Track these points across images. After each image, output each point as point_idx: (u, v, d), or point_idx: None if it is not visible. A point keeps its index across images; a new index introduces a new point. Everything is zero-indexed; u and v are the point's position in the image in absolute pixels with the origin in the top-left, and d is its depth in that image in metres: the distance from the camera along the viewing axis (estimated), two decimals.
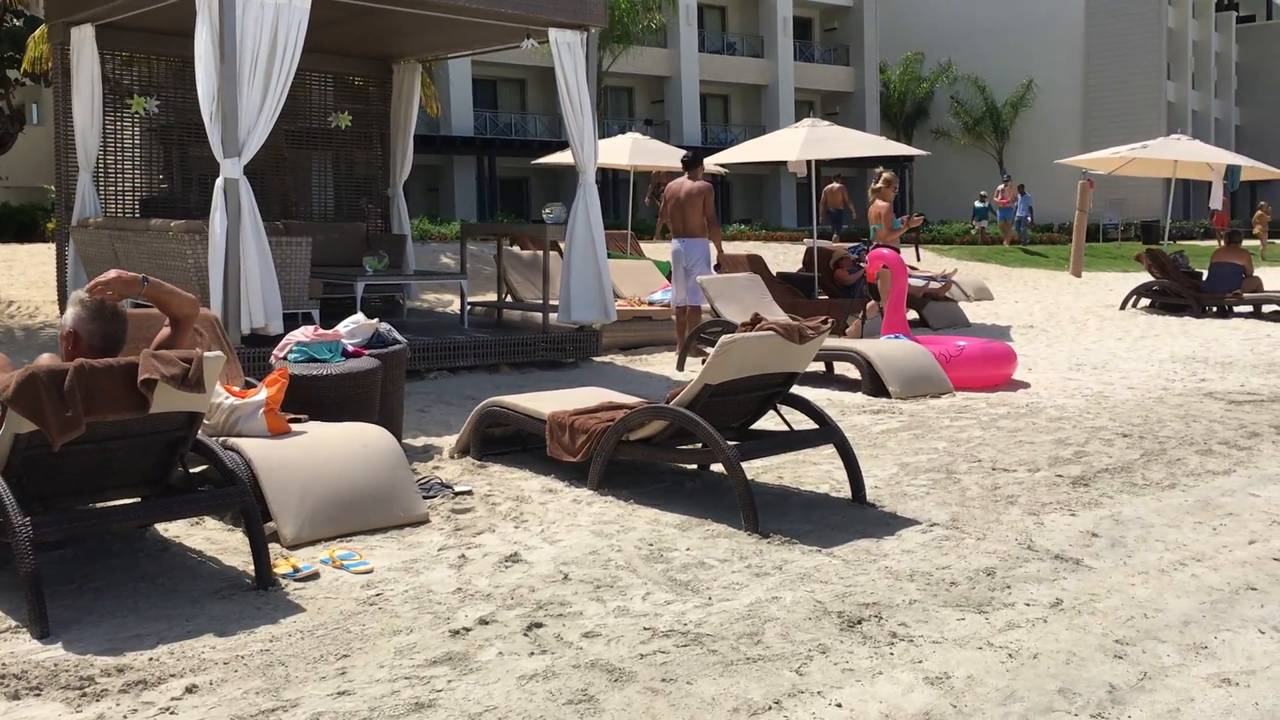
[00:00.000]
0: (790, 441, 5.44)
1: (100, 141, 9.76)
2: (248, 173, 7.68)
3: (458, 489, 5.45)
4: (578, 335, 9.53)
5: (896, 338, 9.47)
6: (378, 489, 4.83)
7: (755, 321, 5.26)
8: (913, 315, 14.31)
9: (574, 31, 9.18)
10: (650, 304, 11.50)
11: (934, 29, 57.65)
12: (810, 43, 52.13)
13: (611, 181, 39.04)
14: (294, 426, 5.02)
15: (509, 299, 11.34)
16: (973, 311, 16.05)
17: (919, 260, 22.36)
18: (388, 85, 11.69)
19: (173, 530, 4.73)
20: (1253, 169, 16.73)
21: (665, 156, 16.04)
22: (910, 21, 58.34)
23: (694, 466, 5.98)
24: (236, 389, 5.00)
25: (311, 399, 5.71)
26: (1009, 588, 4.30)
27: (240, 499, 4.04)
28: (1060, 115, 54.36)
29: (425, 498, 5.31)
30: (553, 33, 9.08)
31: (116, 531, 4.55)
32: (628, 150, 15.66)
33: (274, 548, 4.49)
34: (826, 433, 5.46)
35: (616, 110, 46.34)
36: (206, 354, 3.89)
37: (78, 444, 3.80)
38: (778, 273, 14.80)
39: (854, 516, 5.20)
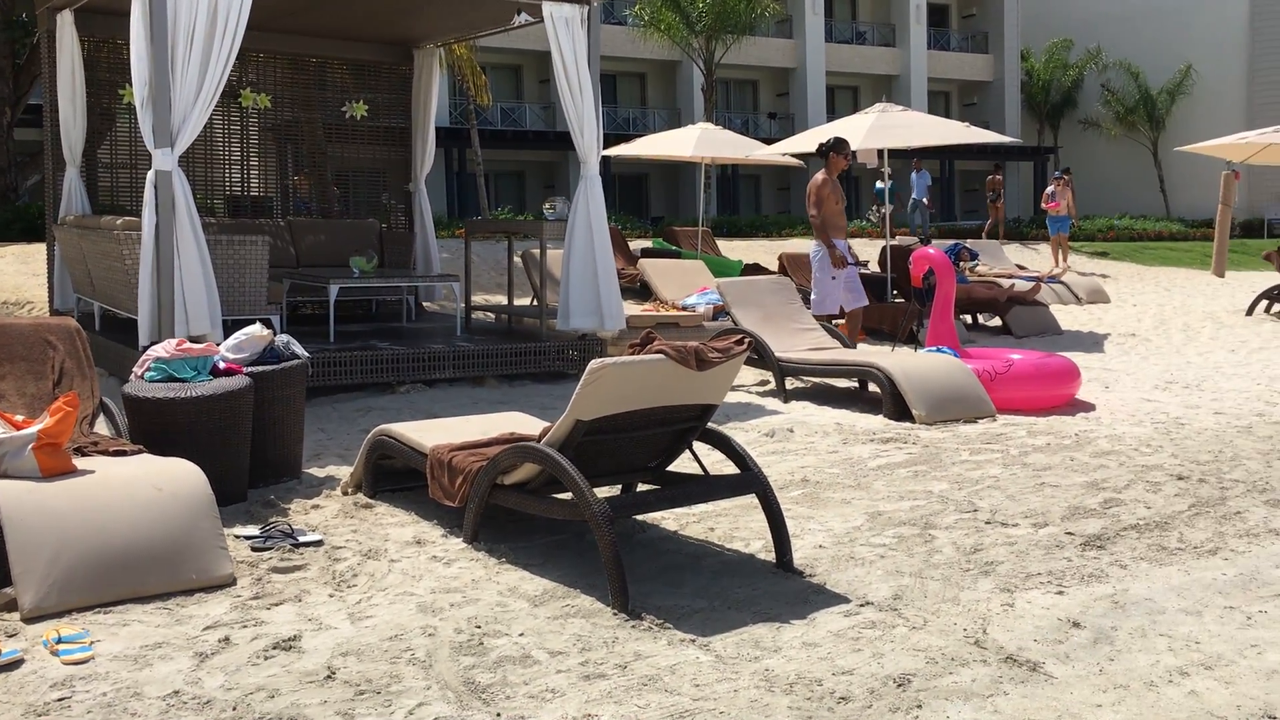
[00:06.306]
0: (699, 492, 4.37)
1: (84, 135, 9.24)
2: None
3: (304, 539, 4.56)
4: (580, 344, 8.56)
5: (940, 350, 8.22)
6: (165, 545, 3.96)
7: (646, 342, 4.21)
8: (996, 321, 12.91)
9: (572, 6, 8.22)
10: (683, 309, 10.47)
11: (1081, 12, 54.43)
12: (946, 30, 49.86)
13: (679, 175, 37.91)
14: (81, 465, 4.20)
15: (534, 303, 10.46)
16: (1075, 317, 14.45)
17: (1063, 262, 20.39)
18: (406, 72, 10.94)
19: None
20: None
21: (733, 148, 14.92)
22: (1055, 6, 55.24)
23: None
24: (19, 418, 4.21)
25: (159, 427, 4.91)
26: (918, 708, 3.17)
27: None
28: (1222, 103, 50.50)
29: (256, 549, 4.44)
30: (547, 7, 8.13)
31: None
32: (694, 141, 14.61)
33: (4, 622, 3.67)
34: (746, 480, 4.37)
35: (740, 104, 45.08)
36: None
37: None
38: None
39: (768, 589, 4.11)
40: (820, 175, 9.62)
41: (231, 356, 5.39)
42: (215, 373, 5.22)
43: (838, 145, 9.68)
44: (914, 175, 23.49)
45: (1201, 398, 8.26)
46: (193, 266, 6.97)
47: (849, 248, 9.82)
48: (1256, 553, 4.60)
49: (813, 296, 9.65)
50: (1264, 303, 14.48)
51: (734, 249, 20.48)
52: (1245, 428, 7.10)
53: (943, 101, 49.52)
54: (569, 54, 8.22)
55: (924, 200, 23.53)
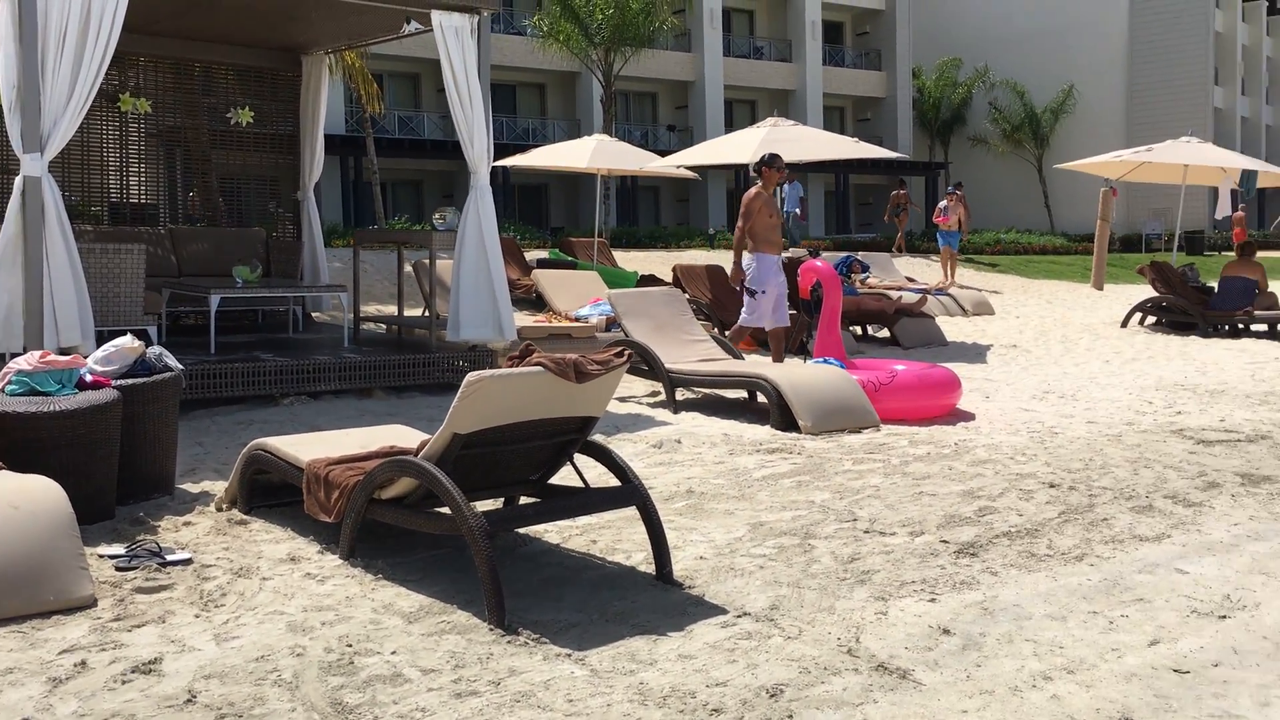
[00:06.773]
0: (579, 504, 4.35)
1: None
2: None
3: (172, 557, 4.42)
4: (469, 356, 8.49)
5: (826, 361, 8.35)
6: (21, 565, 3.81)
7: (525, 354, 4.19)
8: (885, 333, 13.17)
9: (462, 15, 8.16)
10: (576, 320, 10.46)
11: (970, 33, 55.97)
12: (841, 47, 50.76)
13: (579, 186, 37.98)
14: None
15: (425, 314, 10.33)
16: (961, 328, 14.83)
17: (950, 277, 20.81)
18: (294, 79, 10.75)
19: None
20: (1270, 174, 15.30)
21: (628, 159, 15.00)
22: (945, 25, 56.72)
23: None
24: None
25: (20, 442, 4.72)
26: (789, 718, 3.20)
27: None
28: (1103, 122, 52.39)
29: (121, 569, 4.29)
30: (436, 16, 8.06)
31: None
32: (589, 152, 14.64)
33: None
34: (626, 492, 4.37)
35: (639, 116, 45.28)
36: None
37: None
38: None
39: (647, 602, 4.11)
40: (753, 190, 9.37)
41: (99, 369, 5.22)
42: (81, 386, 5.05)
43: (771, 160, 9.42)
44: (785, 187, 23.55)
45: (1075, 407, 8.53)
46: (63, 276, 6.73)
47: (779, 264, 9.53)
48: (1121, 558, 4.75)
49: (743, 312, 9.54)
50: (1138, 315, 15.02)
51: (632, 260, 20.55)
52: (1115, 436, 7.34)
53: (838, 116, 50.41)
54: (459, 63, 8.15)
55: (796, 211, 23.72)
